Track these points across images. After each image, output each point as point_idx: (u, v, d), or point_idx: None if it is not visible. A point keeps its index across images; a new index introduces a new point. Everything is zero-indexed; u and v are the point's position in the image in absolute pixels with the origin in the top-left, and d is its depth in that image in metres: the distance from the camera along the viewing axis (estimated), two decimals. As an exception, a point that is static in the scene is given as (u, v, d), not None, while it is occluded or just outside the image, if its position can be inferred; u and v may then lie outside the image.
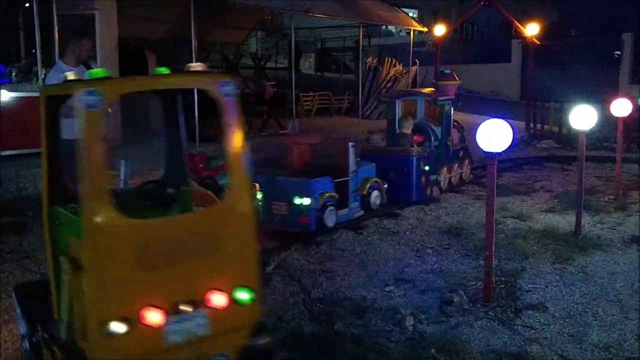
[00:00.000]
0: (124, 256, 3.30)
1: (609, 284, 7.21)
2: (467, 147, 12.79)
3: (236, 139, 3.67)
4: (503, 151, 6.60)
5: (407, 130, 11.42)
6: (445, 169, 12.12)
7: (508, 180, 13.86)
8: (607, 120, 14.47)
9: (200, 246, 3.59)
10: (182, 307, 3.48)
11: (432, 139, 11.98)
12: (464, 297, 6.53)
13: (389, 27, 39.36)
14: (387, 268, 7.80)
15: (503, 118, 6.54)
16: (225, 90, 3.66)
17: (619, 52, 28.60)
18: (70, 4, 13.37)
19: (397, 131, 11.64)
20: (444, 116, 11.86)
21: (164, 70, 3.77)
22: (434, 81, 14.51)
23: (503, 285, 6.93)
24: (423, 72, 25.69)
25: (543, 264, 7.90)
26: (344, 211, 9.54)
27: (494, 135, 6.25)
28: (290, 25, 20.57)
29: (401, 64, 24.59)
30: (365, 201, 10.13)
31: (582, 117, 9.11)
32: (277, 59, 34.05)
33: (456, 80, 13.87)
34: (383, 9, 23.57)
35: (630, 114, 13.09)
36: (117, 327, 3.24)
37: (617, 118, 11.67)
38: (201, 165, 8.89)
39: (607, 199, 11.52)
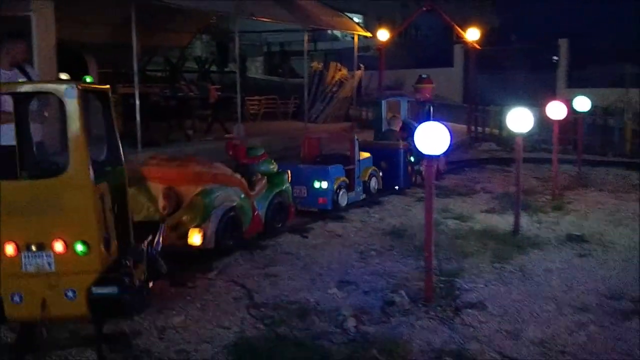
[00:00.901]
0: None
1: (545, 281, 7.44)
2: None
3: (76, 131, 4.97)
4: (445, 153, 6.76)
5: (396, 127, 13.35)
6: (425, 160, 12.88)
7: (450, 182, 14.17)
8: (545, 123, 14.96)
9: (49, 203, 5.00)
10: (32, 247, 4.97)
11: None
12: (406, 297, 6.63)
13: (335, 31, 39.62)
14: (331, 271, 7.84)
15: (443, 122, 6.68)
16: (69, 93, 4.97)
17: (556, 57, 29.59)
18: (3, 6, 12.92)
19: (385, 128, 13.41)
20: (425, 115, 13.66)
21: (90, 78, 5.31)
22: (414, 85, 15.84)
23: (443, 285, 7.06)
24: (368, 77, 25.98)
25: (483, 263, 8.09)
26: (352, 194, 11.32)
27: (432, 138, 6.36)
28: (240, 29, 20.50)
29: (346, 68, 24.78)
30: (366, 186, 11.84)
31: (519, 120, 9.38)
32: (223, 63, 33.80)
33: (432, 84, 15.53)
34: (328, 14, 23.71)
35: (566, 116, 13.57)
36: None
37: (553, 121, 12.08)
38: (242, 154, 9.54)
39: (544, 199, 11.90)
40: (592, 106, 17.06)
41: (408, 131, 12.90)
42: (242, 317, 6.35)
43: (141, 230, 6.37)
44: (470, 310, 6.47)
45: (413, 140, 12.25)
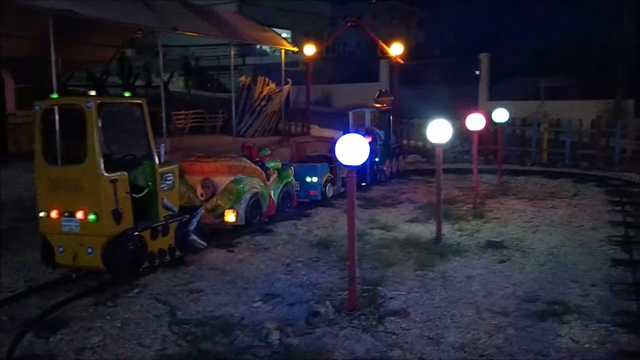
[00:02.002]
0: (44, 181, 7.69)
1: (465, 287, 7.63)
2: (400, 147, 17.34)
3: (92, 133, 7.39)
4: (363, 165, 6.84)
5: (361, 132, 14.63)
6: (388, 161, 16.24)
7: (376, 193, 14.38)
8: (467, 134, 15.44)
9: (76, 184, 7.47)
10: (66, 213, 7.49)
11: (378, 140, 15.61)
12: (330, 307, 6.64)
13: (264, 46, 39.72)
14: (256, 284, 7.78)
15: (363, 134, 6.77)
16: (88, 105, 7.48)
17: (478, 72, 30.66)
18: None
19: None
20: (385, 123, 16.27)
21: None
22: (375, 97, 18.12)
23: (367, 294, 7.12)
24: (295, 91, 26.12)
25: (406, 271, 8.22)
26: (335, 187, 13.47)
27: (352, 149, 6.43)
28: (163, 43, 20.18)
29: (274, 83, 24.84)
30: (344, 181, 12.45)
31: (439, 131, 9.62)
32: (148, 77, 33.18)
33: (390, 97, 18.38)
34: (254, 29, 23.77)
35: (486, 128, 14.06)
36: (41, 213, 7.70)
37: (472, 132, 12.48)
38: (255, 153, 11.65)
39: (466, 208, 12.25)
40: (511, 117, 17.86)
41: (372, 136, 15.12)
42: (164, 334, 6.20)
43: (183, 212, 8.73)
44: (393, 318, 6.56)
45: (377, 144, 15.49)
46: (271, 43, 25.93)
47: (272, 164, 11.68)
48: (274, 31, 27.00)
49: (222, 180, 10.28)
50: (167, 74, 29.66)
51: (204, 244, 9.07)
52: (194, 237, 8.83)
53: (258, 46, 39.94)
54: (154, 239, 8.08)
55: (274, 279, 7.95)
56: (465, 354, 5.74)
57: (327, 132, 21.51)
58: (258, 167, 11.01)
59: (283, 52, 25.11)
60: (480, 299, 7.21)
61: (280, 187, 11.62)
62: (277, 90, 24.31)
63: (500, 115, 14.75)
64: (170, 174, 8.54)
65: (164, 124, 18.01)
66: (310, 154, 14.57)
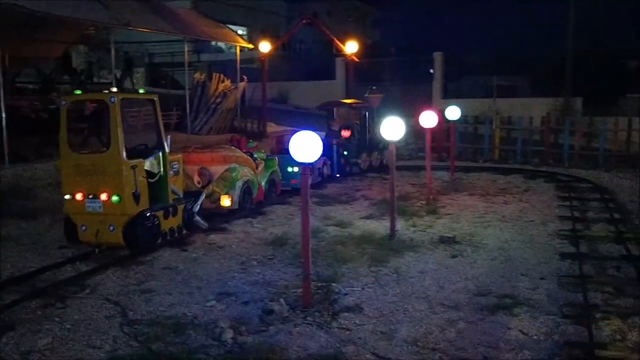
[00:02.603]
0: (69, 167, 8.59)
1: (418, 282, 7.73)
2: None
3: (115, 124, 8.40)
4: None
5: (335, 127, 17.19)
6: (364, 155, 17.24)
7: (332, 190, 14.44)
8: (421, 132, 15.62)
9: (99, 169, 8.30)
10: (90, 196, 8.33)
11: (356, 134, 17.00)
12: (284, 305, 6.64)
13: (219, 43, 39.33)
14: (210, 283, 7.70)
15: (314, 130, 6.77)
16: (111, 100, 8.40)
17: (432, 70, 31.04)
18: None
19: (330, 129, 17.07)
20: (363, 119, 17.33)
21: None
22: (366, 95, 19.09)
23: (321, 291, 7.14)
24: (251, 88, 25.95)
25: (360, 267, 8.27)
26: (312, 176, 13.80)
27: (305, 146, 6.43)
28: (116, 39, 19.77)
29: (230, 80, 24.63)
30: (320, 171, 15.10)
31: (392, 129, 9.71)
32: (101, 74, 32.46)
33: (379, 94, 19.47)
34: (209, 25, 23.49)
35: (439, 125, 14.26)
36: (66, 196, 8.57)
37: (425, 129, 12.65)
38: (243, 145, 12.72)
39: (419, 204, 12.40)
40: (463, 115, 18.16)
41: (352, 131, 16.84)
42: (115, 335, 6.08)
43: (188, 197, 9.96)
44: (347, 314, 6.59)
45: (355, 138, 16.82)
46: (226, 40, 25.70)
47: (259, 155, 12.81)
48: (229, 28, 26.75)
49: (218, 169, 11.22)
50: (120, 70, 29.02)
51: (206, 224, 10.22)
52: (197, 218, 10.08)
53: (213, 43, 39.52)
54: (165, 218, 9.26)
55: (228, 278, 7.89)
56: (418, 349, 5.81)
57: (283, 129, 21.43)
58: (249, 157, 12.10)
59: (238, 49, 24.91)
60: (433, 293, 7.31)
61: (267, 175, 12.71)
62: (232, 88, 24.09)
63: (453, 112, 14.99)
64: (176, 162, 9.76)
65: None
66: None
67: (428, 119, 12.41)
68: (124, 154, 8.43)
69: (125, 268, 8.22)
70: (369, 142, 17.49)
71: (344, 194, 14.05)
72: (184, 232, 9.75)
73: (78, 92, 9.93)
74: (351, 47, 20.87)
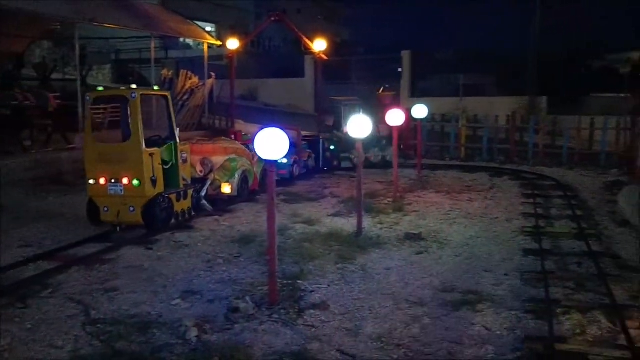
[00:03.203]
0: (93, 155, 9.75)
1: (384, 279, 7.77)
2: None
3: (135, 117, 9.45)
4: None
5: (329, 122, 18.19)
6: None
7: (300, 188, 14.44)
8: (390, 130, 15.70)
9: (121, 156, 9.41)
10: (113, 180, 9.44)
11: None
12: (250, 303, 6.62)
13: (187, 40, 38.97)
14: (175, 282, 7.63)
15: (283, 128, 6.75)
16: (132, 95, 9.50)
17: (400, 69, 31.22)
18: None
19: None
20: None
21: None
22: (379, 93, 19.94)
23: (288, 288, 7.14)
24: (220, 85, 25.76)
25: (327, 264, 8.28)
26: (299, 168, 15.89)
27: (271, 143, 6.41)
28: (82, 35, 19.41)
29: (198, 77, 24.41)
30: (307, 164, 16.48)
31: (359, 126, 9.75)
32: (66, 70, 31.87)
33: (392, 92, 20.58)
34: (176, 22, 23.25)
35: (406, 124, 14.34)
36: (90, 181, 9.67)
37: (392, 127, 12.72)
38: (239, 138, 14.15)
39: (387, 202, 12.47)
40: (430, 114, 18.33)
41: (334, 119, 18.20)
42: (77, 335, 5.99)
43: (195, 183, 11.16)
44: (313, 311, 6.60)
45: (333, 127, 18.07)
46: (194, 36, 25.48)
47: (252, 147, 13.34)
48: (197, 24, 26.52)
49: (219, 159, 12.08)
50: (86, 67, 28.51)
51: (211, 207, 11.51)
52: (204, 202, 11.33)
53: (182, 40, 39.15)
54: (178, 201, 10.37)
55: (193, 276, 7.83)
56: (382, 345, 5.85)
57: (253, 128, 21.31)
58: (246, 149, 12.93)
59: (206, 45, 24.71)
60: (398, 290, 7.37)
61: (262, 166, 13.26)
62: (200, 84, 23.89)
63: (420, 111, 15.11)
64: (185, 152, 10.80)
65: (81, 119, 17.32)
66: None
67: (395, 118, 12.48)
68: (144, 143, 9.55)
69: (89, 267, 8.10)
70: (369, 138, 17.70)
71: (313, 191, 14.06)
72: (193, 214, 10.85)
73: (100, 88, 11.02)
74: (320, 45, 20.84)
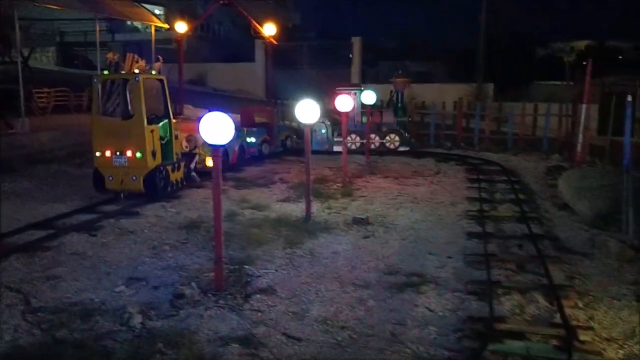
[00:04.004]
0: (100, 131, 11.19)
1: (331, 262, 7.85)
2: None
3: (139, 98, 10.85)
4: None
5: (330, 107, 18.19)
6: (354, 136, 18.45)
7: (250, 173, 14.38)
8: (339, 115, 15.76)
9: (126, 132, 10.85)
10: (117, 152, 10.90)
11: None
12: (196, 289, 6.58)
13: (136, 23, 38.09)
14: (120, 268, 7.53)
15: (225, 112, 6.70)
16: (136, 78, 10.99)
17: (351, 55, 31.33)
18: None
19: None
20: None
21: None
22: (392, 79, 19.63)
23: (234, 274, 7.12)
24: (168, 69, 25.30)
25: (275, 249, 8.30)
26: (273, 147, 17.28)
27: (216, 127, 6.36)
28: (24, 16, 18.70)
29: (144, 61, 23.89)
30: (284, 143, 18.00)
31: (307, 111, 9.75)
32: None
33: (405, 78, 19.92)
34: (122, 4, 22.67)
35: (354, 109, 14.41)
36: (97, 153, 11.16)
37: (341, 113, 12.78)
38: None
39: (335, 187, 12.55)
40: (379, 100, 18.47)
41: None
42: (16, 324, 5.85)
43: (185, 157, 12.42)
44: (259, 296, 6.61)
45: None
46: (140, 19, 24.91)
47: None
48: (144, 7, 25.91)
49: None
50: (28, 49, 27.55)
51: (199, 179, 12.89)
52: (193, 173, 12.70)
53: (129, 23, 38.23)
54: (173, 172, 11.79)
55: (138, 263, 7.74)
56: (327, 327, 5.92)
57: (202, 113, 21.04)
58: None
59: (153, 28, 24.21)
60: (345, 273, 7.45)
61: (238, 143, 15.11)
62: (147, 68, 23.37)
63: (369, 97, 15.21)
64: (176, 129, 12.03)
65: (22, 102, 16.78)
66: (258, 122, 17.84)
67: (344, 103, 12.53)
68: (146, 120, 10.88)
69: (30, 254, 7.90)
70: (362, 124, 18.26)
71: (262, 177, 14.02)
72: (185, 183, 12.35)
73: (106, 72, 12.79)
74: (269, 29, 20.71)
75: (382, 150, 18.19)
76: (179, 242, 8.68)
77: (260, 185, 13.03)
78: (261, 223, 9.61)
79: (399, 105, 19.38)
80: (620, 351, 5.49)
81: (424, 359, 5.34)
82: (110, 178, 11.09)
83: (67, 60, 37.47)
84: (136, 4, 24.28)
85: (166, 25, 24.63)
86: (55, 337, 5.55)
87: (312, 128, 16.19)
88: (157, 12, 34.52)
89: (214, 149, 6.66)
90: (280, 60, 25.65)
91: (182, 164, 12.26)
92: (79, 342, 5.43)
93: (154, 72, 13.27)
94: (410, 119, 19.97)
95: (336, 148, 17.48)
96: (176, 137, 12.01)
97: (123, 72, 13.72)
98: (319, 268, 7.63)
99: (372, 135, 18.31)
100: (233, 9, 23.87)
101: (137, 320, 5.87)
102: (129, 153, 10.96)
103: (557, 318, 6.05)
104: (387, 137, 18.66)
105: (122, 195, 11.30)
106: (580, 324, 5.95)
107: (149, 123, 11.03)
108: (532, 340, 5.65)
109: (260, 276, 7.23)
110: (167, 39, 30.88)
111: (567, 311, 6.18)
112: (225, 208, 10.16)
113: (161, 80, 11.83)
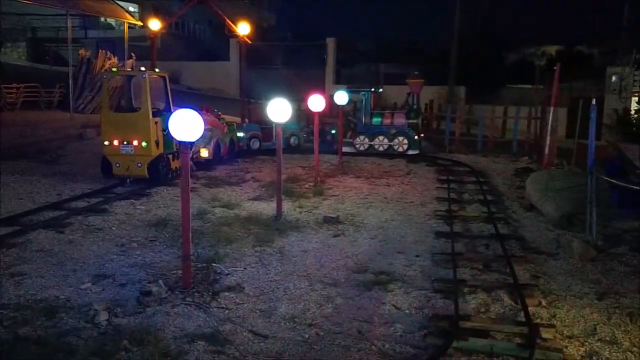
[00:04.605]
0: (108, 124, 12.47)
1: (300, 261, 7.87)
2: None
3: (145, 93, 12.08)
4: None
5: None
6: (363, 137, 18.33)
7: (221, 172, 14.34)
8: (312, 115, 15.78)
9: (132, 123, 12.16)
10: (124, 142, 12.09)
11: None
12: (163, 286, 6.54)
13: (109, 20, 37.67)
14: (87, 266, 7.45)
15: (196, 109, 6.69)
16: (142, 75, 12.16)
17: (325, 56, 31.39)
18: None
19: None
20: (361, 104, 18.72)
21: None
22: (408, 80, 18.85)
23: (203, 271, 7.10)
24: (140, 67, 25.08)
25: (245, 247, 8.30)
26: (268, 144, 17.64)
27: (186, 125, 6.34)
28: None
29: (117, 58, 23.69)
30: (248, 144, 18.11)
31: (278, 111, 9.76)
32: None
33: (421, 79, 18.88)
34: (95, 0, 22.41)
35: (329, 110, 14.46)
36: (105, 142, 12.38)
37: (314, 113, 12.81)
38: (210, 112, 15.85)
39: (307, 186, 12.58)
40: (352, 101, 18.55)
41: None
42: (-23, 321, 5.76)
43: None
44: (227, 293, 6.61)
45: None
46: (112, 15, 24.69)
47: (222, 121, 16.18)
48: (117, 4, 25.66)
49: None
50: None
51: (195, 167, 13.80)
52: (191, 162, 13.33)
53: (103, 19, 37.82)
54: (173, 160, 12.96)
55: (105, 260, 7.67)
56: (295, 325, 5.94)
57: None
58: (219, 122, 15.73)
59: (126, 25, 23.98)
60: (314, 271, 7.48)
61: (230, 136, 16.35)
62: (119, 65, 23.18)
63: (341, 97, 15.27)
64: None
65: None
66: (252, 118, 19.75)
67: (316, 103, 12.57)
68: (151, 113, 12.08)
69: (-7, 251, 7.77)
70: (371, 125, 18.32)
71: (234, 175, 14.00)
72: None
73: (114, 69, 14.14)
74: (243, 28, 20.64)
75: (391, 153, 18.08)
76: (148, 240, 8.62)
77: (232, 183, 13.00)
78: (231, 221, 9.59)
79: (414, 106, 18.70)
80: (582, 348, 5.60)
81: (389, 356, 5.39)
82: (118, 165, 12.20)
83: (39, 56, 36.90)
84: (110, 0, 24.02)
85: (139, 23, 24.44)
86: (18, 334, 5.47)
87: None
88: (131, 9, 34.23)
89: (183, 146, 6.62)
90: (255, 60, 25.61)
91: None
92: (42, 340, 5.37)
93: (157, 70, 13.99)
94: (425, 121, 19.58)
95: (345, 148, 17.31)
96: None
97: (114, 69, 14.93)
98: (288, 266, 7.64)
99: (381, 137, 18.17)
100: (208, 8, 23.72)
101: (103, 317, 5.82)
102: (135, 142, 12.05)
103: (521, 316, 6.16)
104: (396, 140, 18.25)
105: (127, 180, 12.38)
106: (543, 322, 6.06)
107: (153, 116, 12.23)
108: (496, 338, 5.73)
109: (228, 274, 7.22)
110: (142, 36, 30.61)
111: (531, 309, 6.29)
112: (195, 206, 10.18)
113: (164, 77, 13.07)
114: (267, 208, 10.60)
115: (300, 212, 10.42)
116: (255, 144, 17.89)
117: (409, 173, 14.91)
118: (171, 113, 12.16)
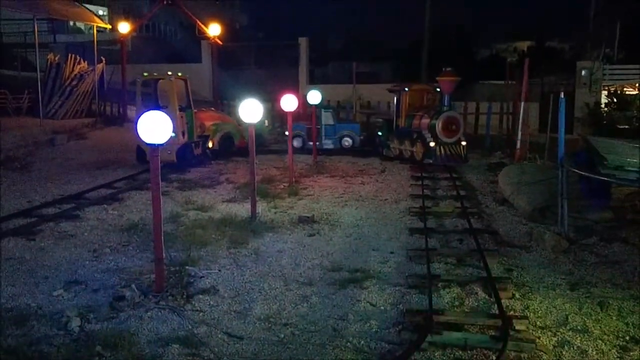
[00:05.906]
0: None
1: (276, 261, 7.86)
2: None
3: (172, 94, 14.74)
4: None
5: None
6: (396, 141, 16.76)
7: (195, 174, 14.24)
8: (285, 115, 15.74)
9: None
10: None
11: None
12: (136, 291, 6.48)
13: (78, 24, 37.17)
14: (58, 272, 7.36)
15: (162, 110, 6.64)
16: (169, 78, 15.02)
17: (299, 55, 31.30)
18: None
19: None
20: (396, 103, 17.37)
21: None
22: (439, 77, 15.73)
23: (176, 275, 7.03)
24: (111, 70, 24.83)
25: (220, 249, 8.26)
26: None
27: (154, 127, 6.29)
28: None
29: (87, 62, 23.41)
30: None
31: (250, 111, 9.73)
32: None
33: (454, 77, 15.44)
34: (62, 4, 22.15)
35: (303, 109, 14.45)
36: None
37: (286, 112, 12.80)
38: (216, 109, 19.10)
39: (282, 187, 12.55)
40: (324, 99, 18.55)
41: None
42: (-57, 333, 5.64)
43: (201, 138, 16.13)
44: (202, 296, 6.57)
45: None
46: (81, 19, 24.42)
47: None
48: (86, 7, 25.39)
49: (209, 124, 16.81)
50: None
51: (211, 155, 16.38)
52: (207, 151, 16.25)
53: (72, 23, 37.29)
54: (195, 149, 15.48)
55: (78, 266, 7.58)
56: (270, 325, 5.93)
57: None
58: (229, 117, 18.02)
59: (95, 29, 23.71)
60: (289, 271, 7.48)
61: (240, 132, 17.50)
62: (89, 70, 22.92)
63: (314, 97, 15.27)
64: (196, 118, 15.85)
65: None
66: None
67: (289, 103, 12.55)
68: (178, 109, 14.32)
69: (-39, 261, 7.63)
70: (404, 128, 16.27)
71: (208, 177, 13.91)
72: (201, 158, 15.78)
73: (146, 74, 15.27)
74: (214, 29, 20.55)
75: (330, 150, 18.13)
76: (120, 245, 8.54)
77: (206, 186, 12.93)
78: (205, 224, 9.52)
79: (443, 108, 15.41)
80: (554, 338, 5.69)
81: (364, 352, 5.41)
82: None
83: (6, 62, 36.29)
84: (77, 4, 23.73)
85: (108, 26, 24.22)
86: (-13, 344, 5.38)
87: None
88: (100, 12, 33.87)
89: (151, 149, 6.56)
90: (227, 61, 25.51)
91: (201, 143, 15.95)
92: (12, 348, 5.28)
93: (180, 74, 15.55)
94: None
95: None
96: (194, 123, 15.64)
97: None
98: (263, 267, 7.63)
99: (407, 142, 16.03)
100: (179, 9, 23.59)
101: (75, 323, 5.75)
102: None
103: (495, 309, 6.22)
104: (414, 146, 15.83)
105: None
106: (516, 314, 6.14)
107: (179, 111, 14.52)
108: (470, 332, 5.79)
109: (203, 277, 7.18)
110: (112, 39, 30.28)
111: (505, 302, 6.37)
112: (168, 210, 10.11)
113: (185, 80, 15.47)
114: (241, 209, 10.55)
115: (275, 213, 10.40)
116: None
117: (384, 171, 14.96)
118: (190, 109, 15.32)
